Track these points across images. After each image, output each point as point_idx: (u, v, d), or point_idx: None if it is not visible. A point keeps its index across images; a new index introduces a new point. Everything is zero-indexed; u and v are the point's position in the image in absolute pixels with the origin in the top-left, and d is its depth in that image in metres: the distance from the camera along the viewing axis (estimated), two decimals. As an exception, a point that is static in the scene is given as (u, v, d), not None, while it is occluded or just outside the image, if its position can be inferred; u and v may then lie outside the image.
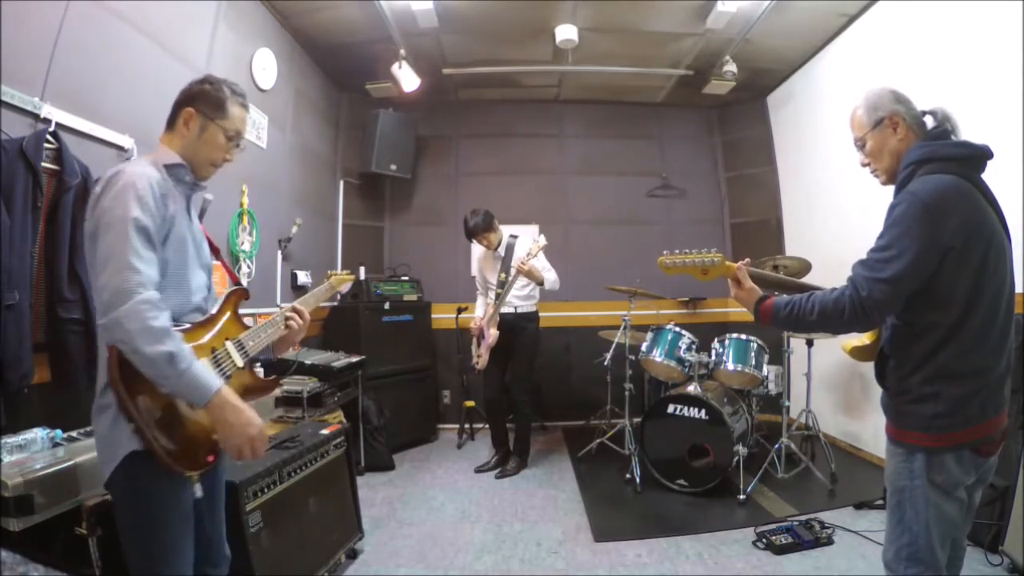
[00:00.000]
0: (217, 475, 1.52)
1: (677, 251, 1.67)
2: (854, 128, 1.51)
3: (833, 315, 1.35)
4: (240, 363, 1.43)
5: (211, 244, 1.58)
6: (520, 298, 3.80)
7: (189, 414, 1.30)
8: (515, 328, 3.77)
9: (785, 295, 1.50)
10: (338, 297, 4.83)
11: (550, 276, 3.74)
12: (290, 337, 1.62)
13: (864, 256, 1.36)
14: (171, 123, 1.44)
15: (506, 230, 3.93)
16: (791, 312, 1.44)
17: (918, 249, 1.26)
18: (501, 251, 3.82)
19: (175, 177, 1.41)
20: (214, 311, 1.45)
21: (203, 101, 1.42)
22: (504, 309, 3.74)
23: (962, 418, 1.30)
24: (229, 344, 1.42)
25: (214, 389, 1.24)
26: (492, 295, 3.80)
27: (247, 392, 1.45)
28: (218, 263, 1.64)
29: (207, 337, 1.38)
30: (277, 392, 2.93)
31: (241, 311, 1.53)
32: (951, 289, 1.28)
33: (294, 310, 1.62)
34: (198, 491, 1.30)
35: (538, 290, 3.87)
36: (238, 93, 1.47)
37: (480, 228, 3.76)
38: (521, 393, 3.84)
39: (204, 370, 1.26)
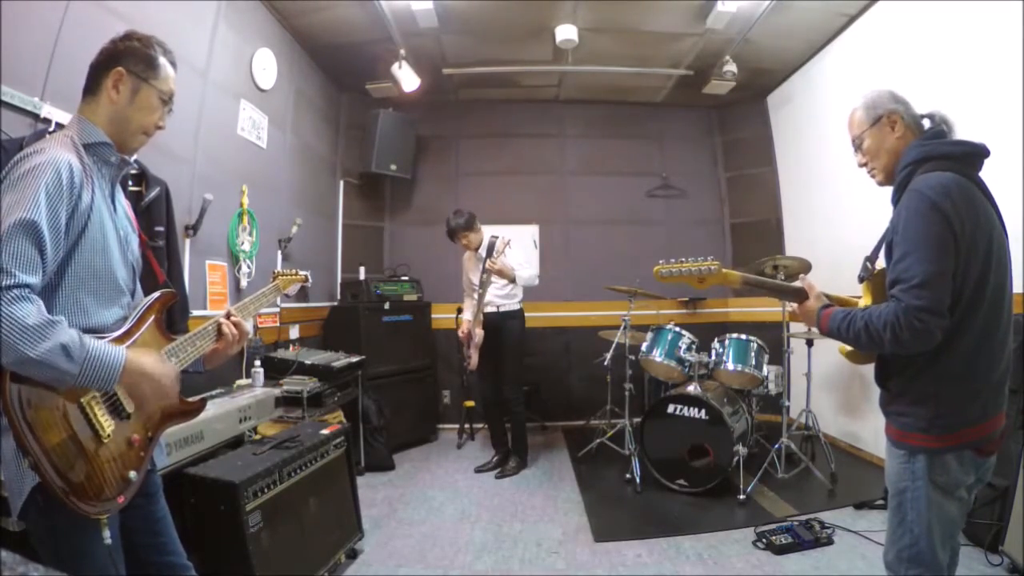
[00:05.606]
0: (152, 501, 1.37)
1: (673, 260, 1.60)
2: (852, 127, 1.51)
3: (884, 336, 1.26)
4: (131, 409, 1.20)
5: (141, 237, 1.37)
6: (501, 296, 3.80)
7: (92, 448, 1.12)
8: (499, 327, 3.78)
9: (842, 308, 1.41)
10: (337, 296, 4.85)
11: (523, 273, 3.71)
12: (224, 349, 1.41)
13: (892, 275, 1.30)
14: (94, 89, 1.24)
15: (507, 230, 3.93)
16: (846, 326, 1.35)
17: (936, 243, 1.24)
18: (482, 251, 3.82)
19: (98, 157, 1.23)
20: (129, 324, 1.24)
21: (133, 59, 1.24)
22: (487, 309, 3.76)
23: (964, 418, 1.29)
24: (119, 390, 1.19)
25: (121, 363, 1.11)
26: (477, 295, 3.81)
27: (168, 417, 1.30)
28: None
29: None
30: (277, 392, 2.93)
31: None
32: (957, 289, 1.26)
33: (229, 317, 1.41)
34: (107, 537, 1.13)
35: (520, 289, 3.85)
36: (168, 50, 1.32)
37: (461, 228, 3.78)
38: (511, 392, 3.84)
39: (101, 346, 1.11)
